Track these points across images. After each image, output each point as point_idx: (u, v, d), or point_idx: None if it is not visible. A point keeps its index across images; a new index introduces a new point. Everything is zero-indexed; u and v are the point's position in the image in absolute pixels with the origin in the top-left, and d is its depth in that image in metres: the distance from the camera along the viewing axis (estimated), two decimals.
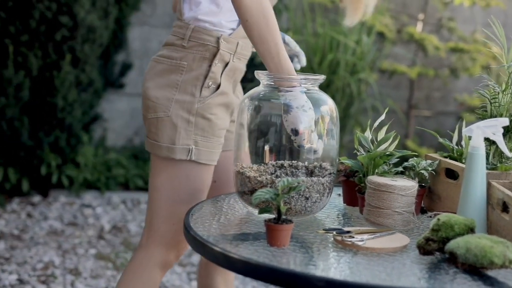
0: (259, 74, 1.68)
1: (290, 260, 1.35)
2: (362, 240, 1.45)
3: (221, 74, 1.85)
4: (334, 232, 1.49)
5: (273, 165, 1.75)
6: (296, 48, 2.09)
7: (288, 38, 2.09)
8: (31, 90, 3.99)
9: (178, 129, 1.82)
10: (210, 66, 1.83)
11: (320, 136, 1.66)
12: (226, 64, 1.85)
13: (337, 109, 1.70)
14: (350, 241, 1.45)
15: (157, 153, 1.85)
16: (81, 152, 4.43)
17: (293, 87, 1.65)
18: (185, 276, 3.28)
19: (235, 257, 1.34)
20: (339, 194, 1.90)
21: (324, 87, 4.31)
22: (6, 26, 3.86)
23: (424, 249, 1.41)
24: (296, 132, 1.63)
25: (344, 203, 1.82)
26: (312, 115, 1.63)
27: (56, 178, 4.28)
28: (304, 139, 1.63)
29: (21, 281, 3.05)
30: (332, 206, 1.80)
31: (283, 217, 1.44)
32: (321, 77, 1.68)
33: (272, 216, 1.48)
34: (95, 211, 4.17)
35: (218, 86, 1.84)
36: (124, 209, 4.27)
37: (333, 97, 4.26)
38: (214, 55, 1.82)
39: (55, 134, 4.15)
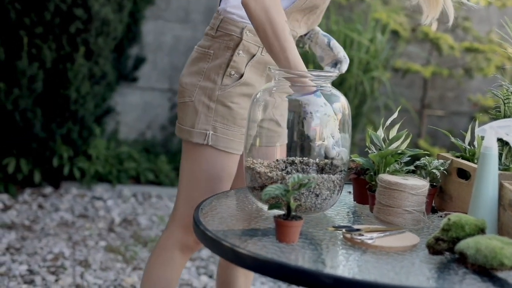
0: (271, 70, 1.68)
1: (298, 257, 1.34)
2: (372, 238, 1.45)
3: (246, 65, 1.89)
4: (344, 230, 1.48)
5: (284, 162, 1.75)
6: (339, 54, 2.05)
7: (333, 43, 2.06)
8: (45, 82, 4.00)
9: (198, 113, 1.88)
10: (232, 55, 1.88)
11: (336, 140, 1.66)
12: (253, 56, 1.89)
13: (349, 106, 1.69)
14: (359, 239, 1.44)
15: (180, 136, 1.93)
16: (93, 145, 4.45)
17: (308, 93, 1.64)
18: (194, 271, 3.28)
19: (244, 252, 1.34)
20: (350, 192, 1.89)
21: (337, 84, 4.30)
22: (21, 18, 3.87)
23: (433, 249, 1.40)
24: (309, 137, 1.64)
25: (354, 201, 1.82)
26: (328, 118, 1.62)
27: (67, 170, 4.30)
28: (328, 147, 1.64)
29: (31, 271, 3.07)
30: (342, 204, 1.80)
31: (293, 213, 1.43)
32: (334, 74, 1.67)
33: (281, 212, 1.48)
34: (106, 203, 4.18)
35: (241, 76, 1.87)
36: (134, 202, 4.28)
37: (345, 95, 4.25)
38: (237, 45, 1.88)
39: (67, 126, 4.17)
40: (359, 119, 4.43)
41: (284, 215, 1.43)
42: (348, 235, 1.46)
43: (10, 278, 2.97)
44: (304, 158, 1.74)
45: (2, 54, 3.86)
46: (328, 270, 1.29)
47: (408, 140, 1.76)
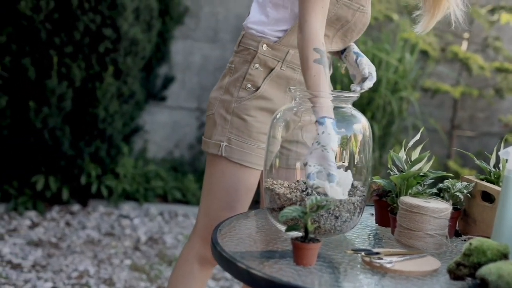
0: (291, 90, 1.67)
1: (315, 281, 1.32)
2: (391, 262, 1.42)
3: (264, 78, 1.90)
4: (363, 253, 1.46)
5: (304, 183, 1.73)
6: (364, 71, 1.95)
7: (360, 60, 1.98)
8: (74, 100, 4.05)
9: (216, 125, 1.91)
10: (248, 68, 1.90)
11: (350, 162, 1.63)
12: (271, 70, 1.90)
13: (370, 127, 1.67)
14: (378, 263, 1.41)
15: (202, 147, 1.96)
16: (121, 163, 4.48)
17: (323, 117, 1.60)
18: None
19: (259, 275, 1.32)
20: (372, 214, 1.86)
21: (365, 104, 4.28)
22: (51, 37, 3.93)
23: (454, 274, 1.37)
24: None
25: (376, 223, 1.79)
26: (318, 147, 1.57)
27: (95, 188, 4.33)
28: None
29: None
30: (363, 226, 1.77)
31: (311, 235, 1.41)
32: (355, 95, 1.65)
33: (299, 234, 1.46)
34: (133, 222, 4.19)
35: (257, 89, 1.89)
36: (161, 221, 4.28)
37: (373, 115, 4.22)
38: (253, 58, 1.90)
39: (95, 144, 4.20)
40: (387, 139, 4.39)
41: (301, 237, 1.41)
42: (367, 259, 1.44)
43: None
44: None
45: (33, 73, 3.91)
46: None
47: (431, 162, 1.73)
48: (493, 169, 1.76)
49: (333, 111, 1.61)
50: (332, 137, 1.55)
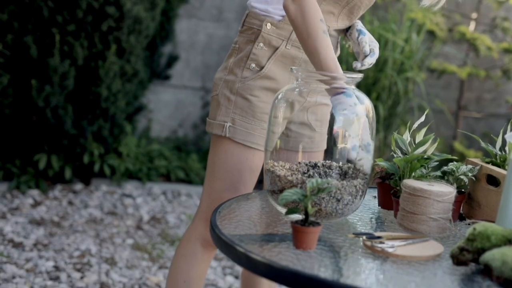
0: (293, 70, 1.63)
1: (314, 265, 1.30)
2: (393, 247, 1.39)
3: (269, 58, 1.86)
4: (364, 237, 1.43)
5: (306, 164, 1.70)
6: (364, 48, 1.92)
7: (361, 38, 1.93)
8: (76, 79, 4.01)
9: (220, 106, 1.89)
10: (252, 47, 1.87)
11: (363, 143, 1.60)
12: (276, 49, 1.87)
13: (374, 109, 1.63)
14: (380, 247, 1.39)
15: (206, 128, 1.94)
16: (124, 142, 4.45)
17: (337, 93, 1.59)
18: (220, 271, 3.25)
19: (258, 259, 1.29)
20: (375, 196, 1.84)
21: (370, 85, 4.23)
22: (54, 15, 3.88)
23: (458, 259, 1.34)
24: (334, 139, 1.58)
25: (379, 206, 1.76)
26: (355, 118, 1.56)
27: (98, 167, 4.31)
28: (353, 147, 1.58)
29: (57, 268, 3.07)
30: (366, 209, 1.74)
31: (311, 219, 1.38)
32: (358, 76, 1.62)
33: (299, 217, 1.43)
34: (135, 201, 4.18)
35: (262, 69, 1.86)
36: (164, 200, 4.27)
37: (378, 96, 4.18)
38: (257, 37, 1.87)
39: (98, 123, 4.17)
40: (393, 120, 4.35)
41: (301, 220, 1.38)
42: (368, 243, 1.41)
43: (36, 274, 2.98)
44: (327, 161, 1.69)
45: (35, 52, 3.88)
46: (344, 280, 1.24)
47: (436, 144, 1.69)
48: (499, 152, 1.72)
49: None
50: (360, 106, 1.57)
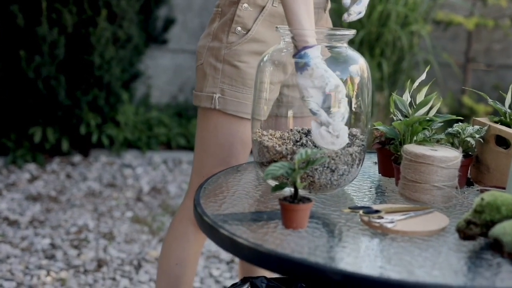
0: (279, 29, 1.48)
1: (304, 247, 1.17)
2: (393, 222, 1.26)
3: (256, 19, 1.71)
4: (361, 212, 1.29)
5: (299, 131, 1.57)
6: None
7: None
8: (67, 47, 3.86)
9: (207, 76, 1.74)
10: (236, 9, 1.71)
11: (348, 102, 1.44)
12: (262, 8, 1.71)
13: (368, 68, 1.48)
14: (378, 222, 1.25)
15: (194, 102, 1.79)
16: (121, 111, 4.32)
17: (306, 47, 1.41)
18: None
19: (241, 242, 1.17)
20: (375, 162, 1.70)
21: (373, 40, 4.06)
22: None
23: (464, 233, 1.20)
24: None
25: (379, 173, 1.62)
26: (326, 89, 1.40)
27: (96, 138, 4.19)
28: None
29: (53, 245, 2.97)
30: (365, 177, 1.60)
31: (301, 194, 1.25)
32: (351, 32, 1.46)
33: (288, 192, 1.30)
34: (135, 171, 4.07)
35: (248, 32, 1.70)
36: (165, 169, 4.15)
37: (382, 52, 4.01)
38: None
39: (93, 93, 4.04)
40: (398, 76, 4.18)
41: (290, 197, 1.25)
42: (365, 218, 1.28)
43: (32, 253, 2.88)
44: None
45: (21, 20, 3.72)
46: (337, 264, 1.11)
47: (439, 105, 1.55)
48: (508, 110, 1.57)
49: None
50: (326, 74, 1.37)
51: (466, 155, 1.52)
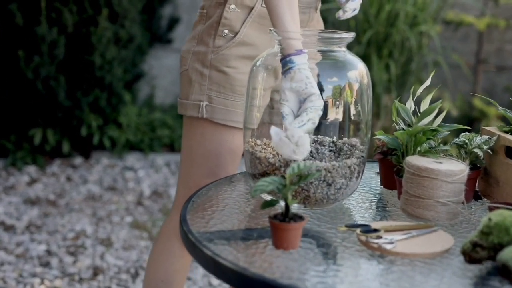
0: (273, 32, 1.38)
1: (295, 271, 1.07)
2: (392, 242, 1.16)
3: (244, 21, 1.60)
4: (358, 230, 1.20)
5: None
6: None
7: None
8: (67, 47, 3.78)
9: (192, 83, 1.63)
10: (223, 11, 1.61)
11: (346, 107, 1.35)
12: (251, 10, 1.61)
13: (369, 74, 1.38)
14: (376, 243, 1.16)
15: (179, 110, 1.69)
16: (123, 112, 4.23)
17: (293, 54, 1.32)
18: None
19: (226, 264, 1.07)
20: (378, 173, 1.60)
21: (381, 41, 3.95)
22: None
23: (470, 257, 1.10)
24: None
25: (381, 185, 1.53)
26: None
27: (97, 140, 4.10)
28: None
29: (49, 252, 2.89)
30: (366, 189, 1.51)
31: (293, 212, 1.15)
32: (349, 36, 1.36)
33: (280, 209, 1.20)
34: (137, 174, 3.98)
35: (236, 35, 1.61)
36: (167, 172, 4.06)
37: (390, 53, 3.90)
38: None
39: (94, 93, 3.95)
40: (407, 78, 4.06)
41: (281, 214, 1.15)
42: (363, 238, 1.18)
43: (27, 260, 2.80)
44: (319, 136, 1.46)
45: (20, 20, 3.64)
46: None
47: (444, 113, 1.44)
48: None
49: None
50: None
51: (473, 167, 1.42)
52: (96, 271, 2.74)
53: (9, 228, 3.12)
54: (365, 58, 3.88)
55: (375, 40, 3.91)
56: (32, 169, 3.90)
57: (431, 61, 4.13)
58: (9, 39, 3.70)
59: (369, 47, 3.88)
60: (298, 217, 1.15)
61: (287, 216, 1.14)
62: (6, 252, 2.87)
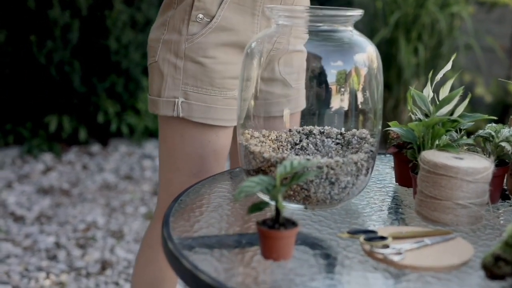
0: (270, 10, 1.22)
1: (281, 286, 0.92)
2: (400, 253, 1.00)
3: (220, 2, 1.41)
4: (362, 238, 1.03)
5: (299, 132, 1.31)
6: None
7: None
8: (81, 31, 3.65)
9: (165, 77, 1.44)
10: None
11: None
12: None
13: (379, 57, 1.21)
14: (382, 253, 0.99)
15: (149, 109, 1.50)
16: (142, 98, 4.10)
17: None
18: None
19: (203, 278, 0.92)
20: (393, 167, 1.43)
21: (410, 23, 3.74)
22: None
23: (492, 272, 0.93)
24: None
25: (396, 182, 1.36)
26: None
27: (115, 127, 3.98)
28: None
29: (57, 244, 2.77)
30: (379, 186, 1.34)
31: (285, 217, 1.00)
32: (357, 13, 1.19)
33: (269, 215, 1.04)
34: (155, 162, 3.85)
35: (212, 19, 1.41)
36: None
37: (419, 36, 3.70)
38: None
39: (110, 79, 3.83)
40: (437, 62, 3.86)
41: (271, 220, 0.99)
42: (367, 247, 1.02)
43: (34, 253, 2.69)
44: (326, 127, 1.30)
45: (32, 3, 3.52)
46: None
47: (467, 101, 1.27)
48: None
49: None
50: None
51: (500, 162, 1.25)
52: (105, 265, 2.62)
53: (19, 219, 3.01)
54: (392, 41, 3.69)
55: (403, 22, 3.71)
56: (48, 157, 3.80)
57: (463, 44, 3.91)
58: (20, 24, 3.58)
59: (397, 30, 3.68)
60: (290, 223, 0.99)
61: (277, 221, 0.98)
62: (14, 244, 2.76)
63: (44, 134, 3.86)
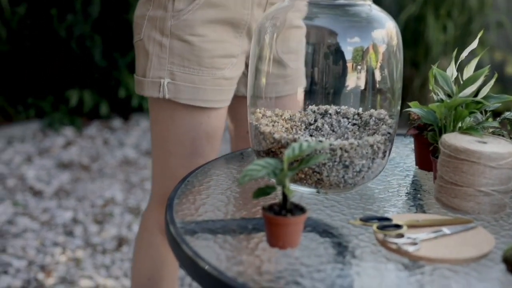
0: None
1: (285, 277, 0.86)
2: (415, 243, 0.93)
3: None
4: (375, 226, 0.97)
5: (314, 112, 1.24)
6: None
7: None
8: (102, 5, 3.60)
9: (150, 56, 1.36)
10: None
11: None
12: None
13: (399, 33, 1.14)
14: (395, 243, 0.93)
15: (136, 89, 1.43)
16: None
17: None
18: None
19: (202, 266, 0.87)
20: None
21: (440, 0, 3.63)
22: None
23: None
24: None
25: (416, 165, 1.29)
26: None
27: (137, 102, 3.94)
28: None
29: (75, 220, 2.75)
30: (398, 169, 1.28)
31: (292, 202, 0.94)
32: None
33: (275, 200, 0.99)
34: None
35: None
36: None
37: (449, 13, 3.58)
38: None
39: (132, 54, 3.77)
40: (467, 39, 3.74)
41: (277, 205, 0.94)
42: (380, 236, 0.95)
43: (51, 227, 2.67)
44: (343, 107, 1.23)
45: None
46: None
47: (493, 81, 1.19)
48: None
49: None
50: None
51: None
52: (121, 242, 2.60)
53: (37, 194, 3.00)
54: (420, 18, 3.58)
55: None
56: (69, 132, 3.77)
57: (494, 21, 3.79)
58: None
59: (425, 6, 3.57)
60: (298, 209, 0.93)
61: (284, 207, 0.93)
62: (31, 219, 2.75)
63: (65, 108, 3.84)
